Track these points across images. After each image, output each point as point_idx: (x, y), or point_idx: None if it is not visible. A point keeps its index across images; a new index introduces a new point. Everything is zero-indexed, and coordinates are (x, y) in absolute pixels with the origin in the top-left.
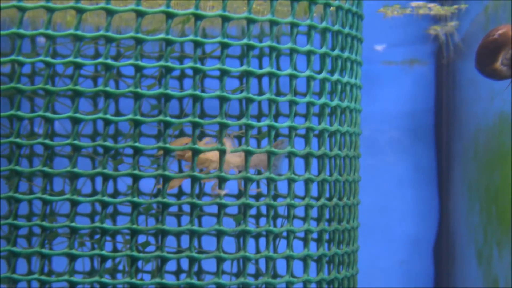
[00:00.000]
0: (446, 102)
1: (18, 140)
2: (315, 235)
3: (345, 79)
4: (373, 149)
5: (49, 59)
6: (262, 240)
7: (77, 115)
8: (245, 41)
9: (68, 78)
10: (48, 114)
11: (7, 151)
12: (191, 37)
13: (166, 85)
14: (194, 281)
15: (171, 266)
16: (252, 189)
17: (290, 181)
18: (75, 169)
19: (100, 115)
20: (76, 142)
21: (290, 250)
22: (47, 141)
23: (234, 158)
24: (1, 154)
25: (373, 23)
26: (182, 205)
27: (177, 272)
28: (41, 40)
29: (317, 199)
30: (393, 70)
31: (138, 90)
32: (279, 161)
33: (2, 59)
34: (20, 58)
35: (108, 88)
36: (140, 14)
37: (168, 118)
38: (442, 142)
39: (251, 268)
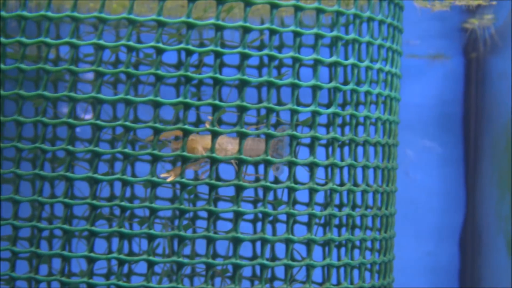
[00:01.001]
0: (475, 95)
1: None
2: (358, 219)
3: (387, 68)
4: (401, 140)
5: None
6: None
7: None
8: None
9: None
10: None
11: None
12: (240, 22)
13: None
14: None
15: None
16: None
17: (333, 167)
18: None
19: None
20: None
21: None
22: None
23: (230, 146)
24: (24, 158)
25: (406, 16)
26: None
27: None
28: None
29: (357, 185)
30: (422, 63)
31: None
32: (283, 150)
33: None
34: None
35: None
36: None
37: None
38: (470, 134)
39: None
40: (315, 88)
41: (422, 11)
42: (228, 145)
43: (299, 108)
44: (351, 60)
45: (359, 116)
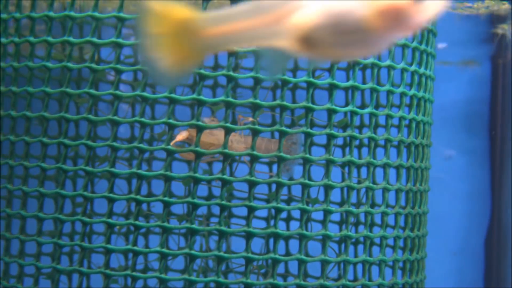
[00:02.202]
0: (501, 99)
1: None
2: (392, 218)
3: (421, 70)
4: None
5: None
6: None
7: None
8: None
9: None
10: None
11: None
12: None
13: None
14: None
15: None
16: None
17: (369, 165)
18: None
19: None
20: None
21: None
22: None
23: (239, 146)
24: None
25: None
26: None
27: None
28: None
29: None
30: (450, 68)
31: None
32: (295, 152)
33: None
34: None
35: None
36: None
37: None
38: (497, 137)
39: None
40: (353, 89)
41: (452, 16)
42: (240, 145)
43: (337, 108)
44: (388, 62)
45: (394, 117)
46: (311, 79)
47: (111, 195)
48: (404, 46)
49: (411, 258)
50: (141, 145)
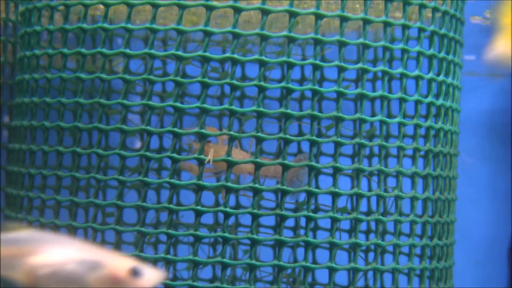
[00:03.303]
0: None
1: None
2: (419, 226)
3: (449, 80)
4: None
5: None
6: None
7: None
8: (361, 40)
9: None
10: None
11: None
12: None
13: (288, 80)
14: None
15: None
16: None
17: (398, 174)
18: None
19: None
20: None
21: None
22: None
23: (245, 165)
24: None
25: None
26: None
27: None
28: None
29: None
30: (475, 80)
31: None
32: (303, 177)
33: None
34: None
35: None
36: (265, 12)
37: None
38: None
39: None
40: (382, 98)
41: (477, 27)
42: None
43: (367, 118)
44: (416, 72)
45: (422, 126)
46: (341, 89)
47: (144, 204)
48: (432, 57)
49: (439, 267)
50: (174, 154)
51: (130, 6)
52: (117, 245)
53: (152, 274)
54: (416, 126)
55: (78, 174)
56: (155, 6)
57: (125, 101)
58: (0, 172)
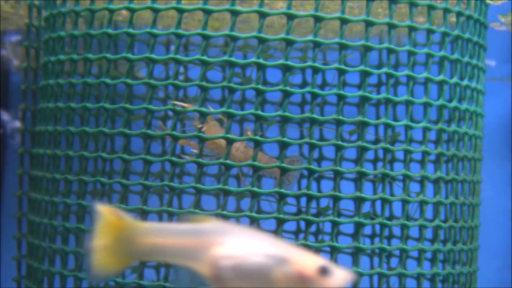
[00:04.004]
0: None
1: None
2: (445, 231)
3: (473, 84)
4: None
5: (153, 56)
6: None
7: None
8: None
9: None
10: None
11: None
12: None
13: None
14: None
15: None
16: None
17: (423, 179)
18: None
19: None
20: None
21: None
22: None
23: (237, 153)
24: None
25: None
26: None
27: None
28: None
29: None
30: (495, 85)
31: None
32: (294, 178)
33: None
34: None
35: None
36: (290, 18)
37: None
38: None
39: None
40: (407, 103)
41: (499, 33)
42: (239, 152)
43: (393, 123)
44: (441, 77)
45: (447, 131)
46: (366, 93)
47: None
48: (456, 61)
49: (464, 272)
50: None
51: (155, 11)
52: None
53: (342, 274)
54: (441, 131)
55: (104, 179)
56: (180, 11)
57: (150, 106)
58: (23, 176)
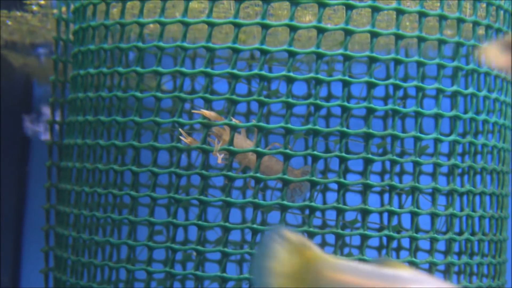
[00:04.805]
0: None
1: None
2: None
3: (502, 97)
4: None
5: (183, 69)
6: None
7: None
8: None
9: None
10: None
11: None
12: (368, 53)
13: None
14: None
15: None
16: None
17: (452, 192)
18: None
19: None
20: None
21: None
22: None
23: (238, 141)
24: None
25: None
26: None
27: None
28: None
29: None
30: None
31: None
32: (306, 188)
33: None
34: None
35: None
36: (321, 31)
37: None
38: None
39: None
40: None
41: None
42: (240, 140)
43: (422, 136)
44: (470, 90)
45: (477, 144)
46: (396, 107)
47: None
48: (486, 74)
49: (493, 285)
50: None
51: (186, 24)
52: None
53: None
54: (470, 144)
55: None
56: (211, 24)
57: (181, 120)
58: (51, 189)
